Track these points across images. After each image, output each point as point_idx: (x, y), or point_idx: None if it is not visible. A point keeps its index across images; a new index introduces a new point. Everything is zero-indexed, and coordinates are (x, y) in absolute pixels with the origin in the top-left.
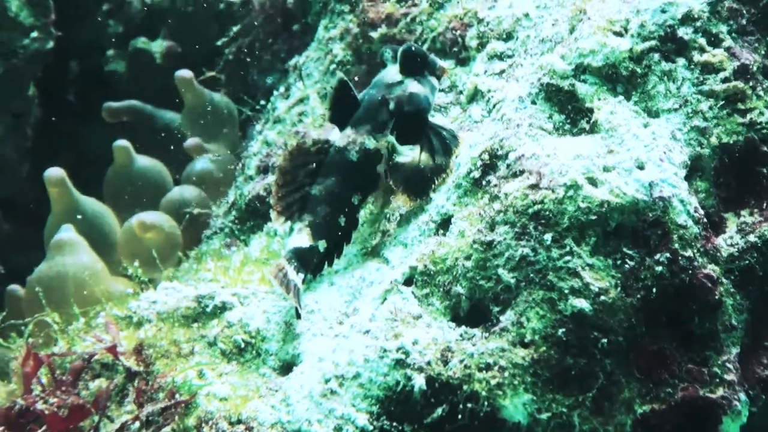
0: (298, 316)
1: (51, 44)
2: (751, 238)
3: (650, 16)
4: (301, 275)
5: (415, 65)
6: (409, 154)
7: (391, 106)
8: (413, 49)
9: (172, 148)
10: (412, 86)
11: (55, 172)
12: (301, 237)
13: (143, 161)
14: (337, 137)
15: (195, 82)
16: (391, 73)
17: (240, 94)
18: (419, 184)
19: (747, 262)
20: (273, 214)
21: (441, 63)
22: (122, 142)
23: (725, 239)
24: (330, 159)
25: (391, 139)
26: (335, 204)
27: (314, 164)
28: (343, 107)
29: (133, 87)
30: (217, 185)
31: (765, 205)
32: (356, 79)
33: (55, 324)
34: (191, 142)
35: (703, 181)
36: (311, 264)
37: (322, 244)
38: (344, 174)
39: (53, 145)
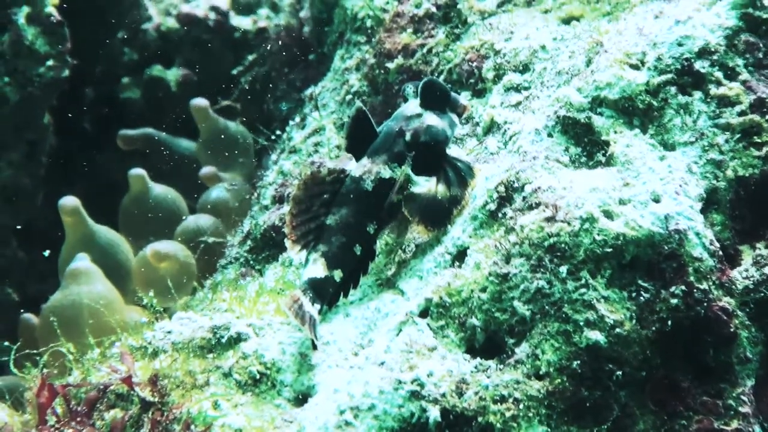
0: (314, 347)
1: (66, 72)
2: (767, 270)
3: (667, 49)
4: (317, 306)
5: (435, 99)
6: (425, 185)
7: (408, 137)
8: (434, 82)
9: (187, 176)
10: (430, 119)
11: (69, 201)
12: (317, 267)
13: (159, 190)
14: (353, 167)
15: (210, 110)
16: (411, 106)
17: (255, 124)
18: (436, 214)
19: (762, 294)
20: (288, 242)
21: (463, 101)
22: (138, 171)
23: (740, 272)
24: (345, 188)
25: (407, 169)
26: (350, 234)
27: (329, 194)
28: (360, 137)
29: (148, 115)
30: (232, 214)
31: None
32: (372, 109)
33: (70, 354)
34: (206, 170)
35: (718, 214)
36: (327, 295)
37: (337, 274)
38: (359, 203)
39: (68, 173)
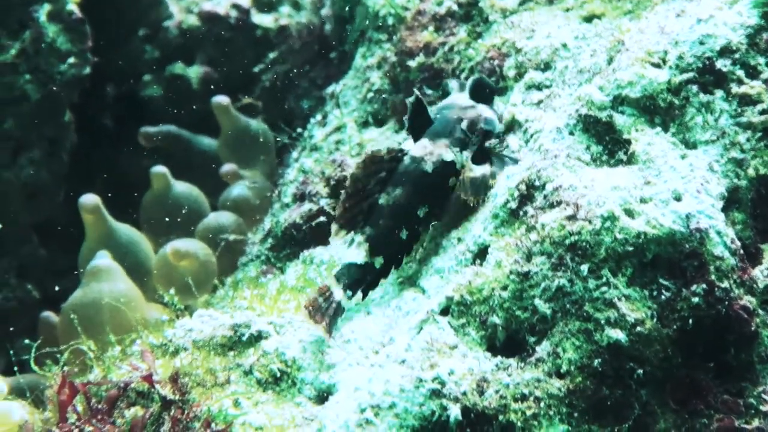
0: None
1: (88, 70)
2: None
3: (688, 48)
4: (349, 293)
5: (484, 94)
6: (479, 171)
7: (464, 125)
8: (484, 79)
9: (209, 173)
10: (485, 111)
11: (89, 199)
12: (359, 252)
13: (180, 187)
14: (412, 147)
15: (232, 108)
16: (462, 98)
17: (277, 121)
18: (480, 185)
19: None
20: (334, 227)
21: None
22: (160, 168)
23: (762, 270)
24: (403, 167)
25: (467, 155)
26: (399, 217)
27: (386, 172)
28: (419, 121)
29: (169, 112)
30: (253, 212)
31: None
32: (394, 107)
33: (91, 352)
34: (227, 168)
35: (740, 213)
36: (362, 282)
37: (378, 261)
38: (415, 184)
39: (89, 170)
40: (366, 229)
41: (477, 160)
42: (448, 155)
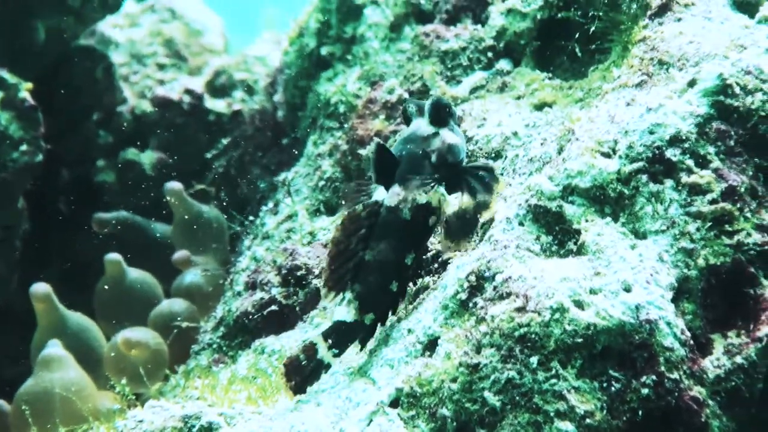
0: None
1: (40, 157)
2: (738, 359)
3: (638, 137)
4: (334, 351)
5: (444, 116)
6: (455, 202)
7: (434, 159)
8: (441, 100)
9: (162, 260)
10: (449, 137)
11: (40, 288)
12: (348, 310)
13: (134, 274)
14: (385, 196)
15: (185, 194)
16: (422, 126)
17: (229, 208)
18: (464, 227)
19: (733, 383)
20: (323, 291)
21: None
22: (114, 256)
23: (712, 361)
24: (382, 220)
25: (442, 190)
26: (388, 270)
27: (366, 228)
28: (385, 167)
29: (123, 197)
30: (205, 299)
31: (752, 326)
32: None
33: None
34: (179, 255)
35: (690, 303)
36: (351, 340)
37: (368, 318)
38: (398, 234)
39: (43, 255)
40: (356, 287)
41: (450, 186)
42: (422, 197)
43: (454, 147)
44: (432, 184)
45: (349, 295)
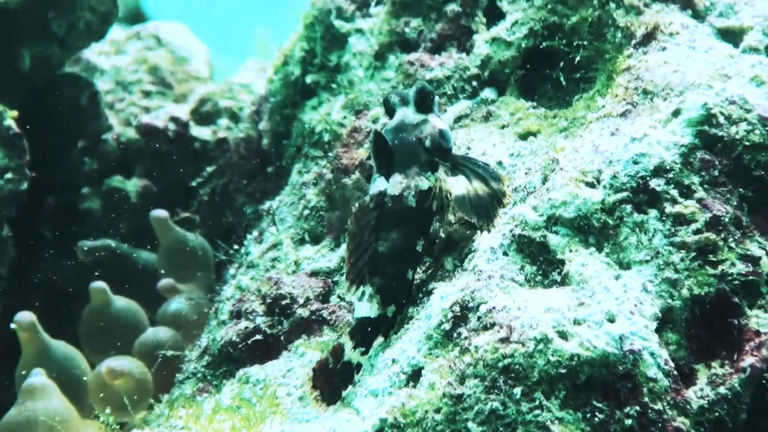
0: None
1: (25, 185)
2: (722, 390)
3: (622, 167)
4: (361, 350)
5: (430, 103)
6: (460, 186)
7: (428, 144)
8: (425, 87)
9: (147, 288)
10: (438, 122)
11: (25, 317)
12: (370, 306)
13: (120, 302)
14: (387, 185)
15: (170, 222)
16: (409, 114)
17: (214, 236)
18: (485, 210)
19: (717, 414)
20: (345, 284)
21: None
22: (99, 284)
23: (695, 391)
24: (389, 210)
25: (442, 174)
26: (403, 258)
27: (374, 219)
28: (385, 155)
29: (108, 225)
30: (190, 327)
31: (736, 356)
32: (330, 224)
33: None
34: (164, 283)
35: (674, 333)
36: (375, 335)
37: (391, 310)
38: (406, 221)
39: (28, 283)
40: (374, 280)
41: (450, 172)
42: (424, 183)
43: (445, 132)
44: (432, 169)
45: (369, 289)
